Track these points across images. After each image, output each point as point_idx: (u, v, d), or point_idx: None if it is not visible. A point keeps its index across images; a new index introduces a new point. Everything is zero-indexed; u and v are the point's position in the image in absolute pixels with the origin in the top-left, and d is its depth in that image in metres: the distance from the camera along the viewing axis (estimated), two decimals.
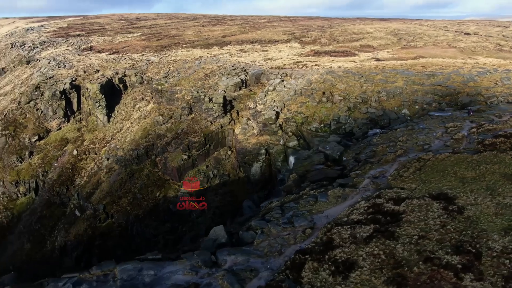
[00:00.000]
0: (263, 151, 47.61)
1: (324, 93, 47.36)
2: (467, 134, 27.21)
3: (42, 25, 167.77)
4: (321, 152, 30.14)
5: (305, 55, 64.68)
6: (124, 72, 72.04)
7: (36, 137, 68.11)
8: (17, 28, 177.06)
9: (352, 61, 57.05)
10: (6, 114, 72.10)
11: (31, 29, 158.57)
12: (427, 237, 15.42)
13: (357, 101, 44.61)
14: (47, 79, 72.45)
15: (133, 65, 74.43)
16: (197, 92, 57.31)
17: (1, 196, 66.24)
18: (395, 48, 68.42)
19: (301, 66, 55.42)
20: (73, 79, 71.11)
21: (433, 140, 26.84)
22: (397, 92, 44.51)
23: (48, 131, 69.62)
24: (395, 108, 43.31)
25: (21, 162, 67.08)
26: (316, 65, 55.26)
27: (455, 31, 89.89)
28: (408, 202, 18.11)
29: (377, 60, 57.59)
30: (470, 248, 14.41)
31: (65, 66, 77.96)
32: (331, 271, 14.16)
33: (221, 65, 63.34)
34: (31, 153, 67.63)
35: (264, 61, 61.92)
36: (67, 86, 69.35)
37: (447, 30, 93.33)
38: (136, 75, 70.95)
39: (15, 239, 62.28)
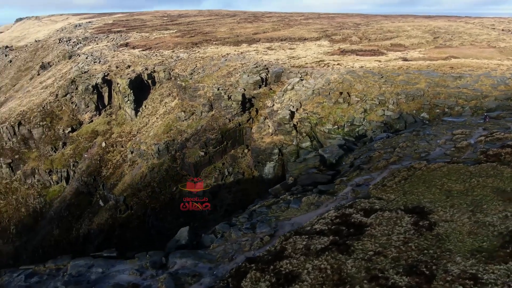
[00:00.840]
0: (276, 150, 47.01)
1: (341, 93, 45.90)
2: (474, 142, 25.21)
3: (89, 22, 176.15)
4: (319, 156, 29.18)
5: (331, 53, 62.97)
6: (153, 68, 73.88)
7: (70, 129, 71.66)
8: (69, 24, 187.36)
9: (377, 60, 54.78)
10: (44, 106, 76.41)
11: (79, 25, 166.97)
12: (383, 253, 14.38)
13: (374, 103, 42.81)
14: (82, 73, 75.88)
15: (163, 61, 76.13)
16: (218, 89, 57.58)
17: (36, 183, 70.44)
18: (428, 48, 64.89)
19: (323, 65, 54.01)
20: (106, 74, 73.95)
21: (434, 148, 25.13)
22: (417, 95, 42.21)
23: (80, 123, 73.03)
24: (414, 111, 41.10)
25: (55, 152, 70.91)
26: (338, 64, 53.63)
27: (502, 30, 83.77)
28: (379, 214, 17.02)
29: (405, 60, 54.88)
30: (424, 269, 13.25)
31: (100, 61, 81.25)
32: (271, 283, 13.58)
33: (244, 63, 63.22)
34: (64, 144, 71.28)
35: (288, 59, 61.01)
36: (99, 80, 72.26)
37: (493, 28, 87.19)
38: (164, 71, 72.53)
39: (46, 224, 66.06)
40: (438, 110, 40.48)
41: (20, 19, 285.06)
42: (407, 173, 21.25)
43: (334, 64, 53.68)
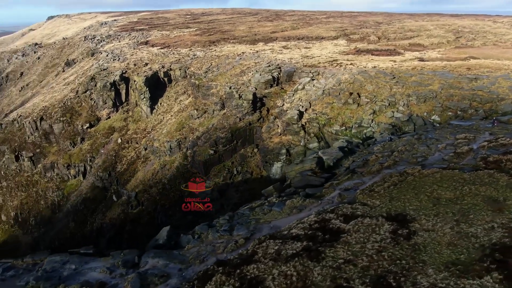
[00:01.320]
0: (284, 151, 46.60)
1: (351, 94, 45.01)
2: (476, 148, 24.14)
3: (115, 20, 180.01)
4: (317, 158, 28.68)
5: (346, 53, 61.82)
6: (170, 66, 74.70)
7: (88, 125, 73.44)
8: (97, 22, 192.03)
9: (392, 60, 53.36)
10: (65, 102, 78.64)
11: (105, 23, 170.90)
12: (353, 262, 13.91)
13: (384, 104, 41.75)
14: (101, 70, 77.64)
15: (179, 59, 76.86)
16: (230, 88, 57.61)
17: (55, 177, 72.63)
18: (447, 48, 62.68)
19: (335, 65, 53.08)
20: (124, 71, 75.36)
21: (433, 153, 24.23)
22: (429, 96, 40.85)
23: (98, 119, 74.73)
24: (425, 114, 39.81)
25: (73, 147, 72.88)
26: (351, 64, 52.57)
27: None
28: (358, 221, 16.52)
29: (421, 60, 53.20)
30: (392, 281, 12.73)
31: (119, 59, 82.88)
32: (235, 287, 13.39)
33: (258, 62, 62.99)
34: (82, 139, 73.13)
35: (301, 58, 60.32)
36: (117, 78, 73.69)
37: None
38: (180, 69, 73.20)
39: (63, 217, 68.01)
40: (450, 113, 39.05)
41: (52, 17, 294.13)
42: (399, 178, 20.55)
43: (347, 64, 52.67)
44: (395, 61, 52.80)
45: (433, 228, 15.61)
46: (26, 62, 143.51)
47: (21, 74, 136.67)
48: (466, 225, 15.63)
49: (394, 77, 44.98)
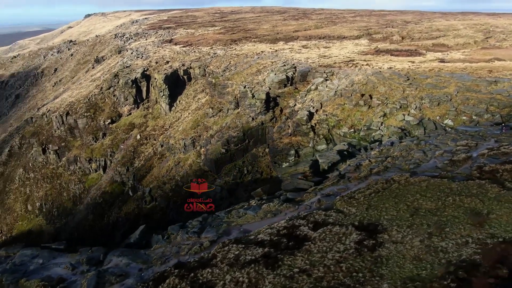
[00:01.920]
0: (292, 152, 45.98)
1: (362, 95, 43.84)
2: (475, 155, 22.86)
3: (146, 18, 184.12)
4: (311, 161, 28.10)
5: (365, 53, 60.24)
6: (190, 64, 75.53)
7: (109, 120, 75.52)
8: (130, 20, 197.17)
9: (411, 61, 51.46)
10: (90, 98, 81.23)
11: (136, 21, 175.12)
12: (308, 272, 13.46)
13: (395, 107, 40.37)
14: (124, 68, 79.58)
15: (200, 57, 77.55)
16: (245, 87, 57.54)
17: (78, 170, 75.19)
18: (473, 48, 59.75)
19: (351, 65, 51.82)
20: (145, 69, 76.90)
21: (428, 159, 23.15)
22: (443, 99, 39.11)
23: (120, 115, 76.68)
24: (438, 118, 38.17)
25: (95, 142, 75.14)
26: (367, 64, 51.17)
27: None
28: (327, 229, 15.99)
29: (441, 61, 51.01)
30: None
31: (142, 56, 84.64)
32: None
33: (275, 61, 62.55)
34: (104, 134, 75.29)
35: (318, 58, 59.35)
36: (139, 75, 75.30)
37: None
38: (199, 68, 73.88)
39: (83, 209, 70.30)
40: (464, 117, 37.26)
41: (89, 15, 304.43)
42: (383, 185, 19.74)
43: (362, 65, 51.32)
44: (413, 62, 50.91)
45: (402, 240, 14.86)
46: (60, 58, 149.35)
47: (55, 70, 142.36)
48: (439, 238, 14.77)
49: (408, 79, 43.39)
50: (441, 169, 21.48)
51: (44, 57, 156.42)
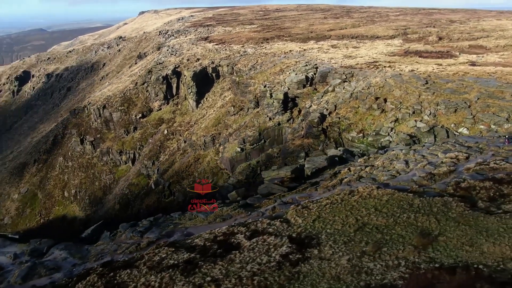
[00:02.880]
0: (302, 154, 45.07)
1: (377, 99, 41.98)
2: (461, 169, 21.13)
3: (192, 16, 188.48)
4: (295, 165, 27.39)
5: (393, 54, 57.44)
6: (219, 62, 76.34)
7: (140, 115, 78.37)
8: (178, 17, 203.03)
9: (438, 64, 48.33)
10: (125, 93, 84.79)
11: (182, 18, 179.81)
12: (218, 282, 13.12)
13: (408, 112, 38.24)
14: (158, 64, 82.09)
15: (229, 56, 78.13)
16: (265, 86, 57.26)
17: (109, 161, 78.86)
18: None
19: (372, 66, 49.66)
20: (176, 66, 78.85)
21: (408, 171, 21.73)
22: (461, 106, 36.43)
23: (150, 110, 79.29)
24: (453, 125, 35.65)
25: (127, 135, 78.35)
26: (389, 66, 48.79)
27: None
28: (262, 239, 15.52)
29: (472, 64, 47.40)
30: None
31: (176, 53, 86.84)
32: None
33: (298, 61, 61.56)
34: (135, 128, 78.27)
35: (342, 59, 57.55)
36: (169, 72, 77.38)
37: None
38: (228, 66, 74.46)
39: (111, 199, 73.68)
40: (482, 126, 34.49)
41: (142, 12, 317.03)
42: (344, 197, 18.78)
43: (384, 66, 49.04)
44: (440, 65, 47.80)
45: (331, 257, 14.04)
46: (109, 54, 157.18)
47: (103, 64, 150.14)
48: (370, 258, 13.79)
49: (427, 83, 40.84)
50: (415, 182, 20.07)
51: (95, 52, 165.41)
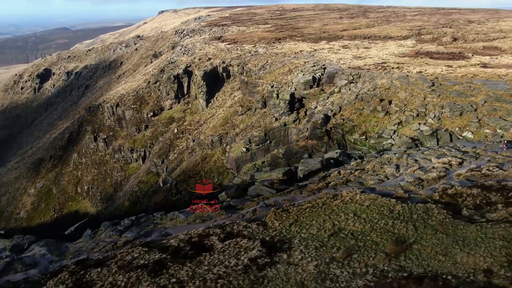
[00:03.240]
0: (306, 155, 44.70)
1: (381, 100, 41.29)
2: (452, 175, 20.59)
3: (208, 15, 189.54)
4: (288, 167, 27.20)
5: (403, 55, 56.34)
6: (230, 62, 76.54)
7: (152, 113, 79.33)
8: (196, 17, 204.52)
9: (448, 65, 47.14)
10: (138, 91, 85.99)
11: (199, 18, 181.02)
12: (182, 284, 13.11)
13: (411, 115, 37.46)
14: (170, 63, 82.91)
15: (240, 55, 78.23)
16: (272, 87, 57.10)
17: (121, 158, 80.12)
18: None
19: (380, 68, 48.85)
20: (188, 65, 79.45)
21: (397, 176, 21.29)
22: (467, 109, 35.47)
23: (162, 109, 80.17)
24: (457, 129, 34.75)
25: (138, 133, 79.46)
26: (397, 67, 47.90)
27: None
28: (235, 241, 15.46)
29: (484, 66, 46.05)
30: None
31: (188, 53, 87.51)
32: (66, 287, 13.67)
33: (307, 61, 61.11)
34: (146, 126, 79.27)
35: (351, 59, 56.81)
36: (181, 71, 78.04)
37: None
38: (238, 66, 74.57)
39: (122, 196, 74.87)
40: (487, 130, 33.50)
41: (162, 11, 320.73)
42: (326, 200, 18.53)
43: (392, 67, 48.18)
44: (450, 66, 46.63)
45: (299, 262, 13.86)
46: (126, 52, 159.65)
47: (121, 63, 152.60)
48: (338, 265, 13.55)
49: (433, 85, 39.91)
50: (402, 187, 19.65)
51: (113, 51, 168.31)
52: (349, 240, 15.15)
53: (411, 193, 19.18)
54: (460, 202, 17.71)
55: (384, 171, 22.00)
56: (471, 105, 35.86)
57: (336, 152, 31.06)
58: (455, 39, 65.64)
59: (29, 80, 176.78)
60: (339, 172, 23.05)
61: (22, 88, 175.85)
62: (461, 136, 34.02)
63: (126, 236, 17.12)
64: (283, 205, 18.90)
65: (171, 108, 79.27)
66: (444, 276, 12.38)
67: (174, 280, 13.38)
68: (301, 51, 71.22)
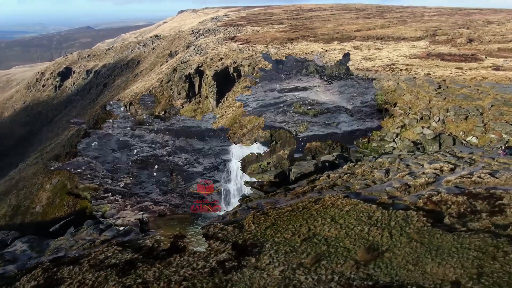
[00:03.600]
0: (309, 157, 44.45)
1: (387, 103, 40.62)
2: (441, 182, 20.09)
3: (226, 15, 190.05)
4: (281, 170, 27.04)
5: (414, 56, 55.16)
6: (241, 62, 76.60)
7: (163, 112, 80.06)
8: (213, 17, 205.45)
9: (458, 67, 45.90)
10: (151, 90, 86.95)
11: (216, 18, 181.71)
12: (147, 285, 13.22)
13: (415, 118, 36.72)
14: (182, 63, 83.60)
15: (252, 56, 78.22)
16: None
17: None
18: None
19: (388, 69, 48.00)
20: (200, 65, 79.89)
21: (385, 181, 20.92)
22: (472, 113, 34.53)
23: (173, 108, 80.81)
24: (462, 133, 33.89)
25: None
26: (406, 69, 46.96)
27: None
28: (207, 243, 15.44)
29: (496, 69, 44.64)
30: None
31: (201, 53, 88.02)
32: (38, 283, 13.97)
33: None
34: None
35: (360, 61, 56.00)
36: (192, 71, 78.56)
37: None
38: (249, 66, 74.57)
39: None
40: (493, 135, 32.57)
41: (181, 11, 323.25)
42: (307, 204, 18.37)
43: (401, 69, 47.27)
44: (461, 68, 45.43)
45: (266, 267, 13.79)
46: (144, 52, 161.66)
47: (138, 62, 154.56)
48: (304, 271, 13.41)
49: (440, 87, 39.00)
50: (387, 193, 19.29)
51: (132, 50, 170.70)
52: (321, 246, 14.96)
53: (395, 199, 18.81)
54: (444, 209, 17.26)
55: (373, 176, 21.67)
56: (477, 109, 34.90)
57: (333, 155, 30.70)
58: (470, 41, 63.89)
59: (50, 78, 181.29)
60: (328, 176, 22.82)
61: (43, 86, 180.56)
62: (465, 140, 33.17)
63: (105, 235, 17.37)
64: (264, 208, 18.81)
65: (182, 107, 79.84)
66: (409, 287, 12.09)
67: (140, 280, 13.51)
68: (312, 51, 70.68)
